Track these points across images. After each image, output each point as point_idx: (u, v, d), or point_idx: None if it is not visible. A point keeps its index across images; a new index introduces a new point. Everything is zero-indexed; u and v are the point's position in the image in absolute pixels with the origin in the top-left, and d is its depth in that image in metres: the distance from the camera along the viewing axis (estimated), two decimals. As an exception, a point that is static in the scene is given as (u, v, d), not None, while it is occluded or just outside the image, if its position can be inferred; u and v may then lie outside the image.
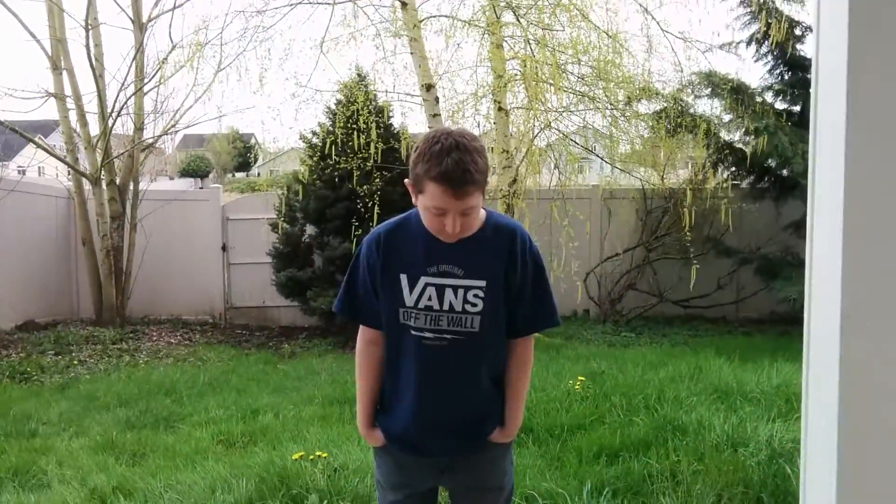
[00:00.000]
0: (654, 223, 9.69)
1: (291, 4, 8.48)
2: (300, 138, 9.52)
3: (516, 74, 8.28)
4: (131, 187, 9.83)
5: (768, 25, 8.66)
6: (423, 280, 1.81)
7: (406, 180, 1.79)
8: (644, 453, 3.51)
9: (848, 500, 0.88)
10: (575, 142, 9.49)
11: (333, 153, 8.41)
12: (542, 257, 1.93)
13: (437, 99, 8.09)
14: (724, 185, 9.20)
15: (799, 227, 8.51)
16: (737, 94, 8.44)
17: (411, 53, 8.12)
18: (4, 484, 3.82)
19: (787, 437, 3.48)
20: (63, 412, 5.52)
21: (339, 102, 9.06)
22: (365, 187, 8.22)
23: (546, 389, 4.91)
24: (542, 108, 8.17)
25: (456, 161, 1.64)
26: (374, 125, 8.31)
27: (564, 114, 8.76)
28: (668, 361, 6.05)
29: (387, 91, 9.04)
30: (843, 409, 0.87)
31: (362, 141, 8.31)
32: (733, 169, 9.43)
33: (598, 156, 9.82)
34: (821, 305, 0.96)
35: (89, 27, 9.47)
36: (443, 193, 1.67)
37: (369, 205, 8.02)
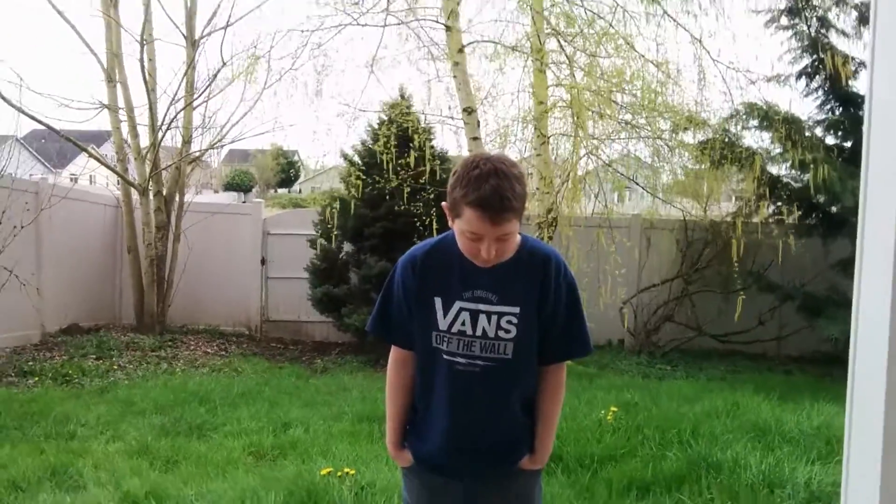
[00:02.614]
0: (694, 255, 9.55)
1: (342, 25, 8.66)
2: (342, 157, 9.65)
3: (558, 101, 8.30)
4: (177, 198, 10.07)
5: (821, 60, 8.52)
6: (457, 304, 1.81)
7: (443, 203, 1.80)
8: (676, 489, 3.43)
9: (890, 548, 0.85)
10: (617, 171, 9.45)
11: (380, 169, 8.50)
12: (580, 286, 1.91)
13: (478, 123, 8.14)
14: (771, 219, 9.03)
15: (846, 265, 8.28)
16: (789, 125, 8.31)
17: (454, 77, 8.20)
18: (42, 483, 3.90)
19: (827, 480, 3.38)
20: (101, 416, 5.63)
21: (382, 122, 9.18)
22: (412, 206, 8.29)
23: (577, 418, 4.84)
24: (583, 136, 8.17)
25: (494, 187, 1.63)
26: (420, 145, 8.40)
27: (607, 142, 8.75)
28: (704, 396, 5.92)
29: (427, 113, 9.16)
30: (888, 452, 0.85)
31: (405, 161, 8.40)
32: (779, 203, 9.24)
33: (639, 185, 9.75)
34: (867, 346, 0.93)
35: (144, 42, 9.78)
36: (479, 219, 1.66)
37: (417, 223, 8.10)
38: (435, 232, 7.64)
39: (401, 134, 8.64)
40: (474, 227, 1.68)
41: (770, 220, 9.04)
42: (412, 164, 8.36)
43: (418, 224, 8.16)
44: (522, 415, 1.91)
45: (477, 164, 1.68)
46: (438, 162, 8.71)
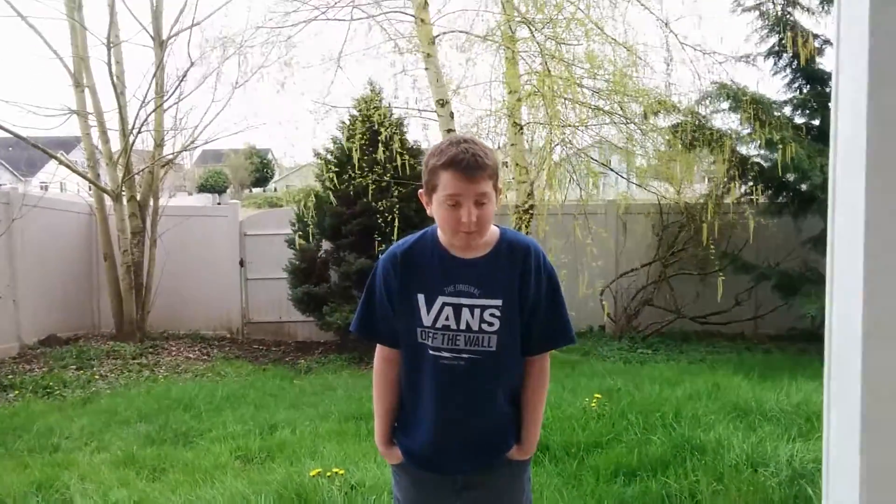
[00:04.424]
0: (670, 238, 9.65)
1: (306, 21, 8.61)
2: (314, 155, 9.59)
3: (532, 90, 8.32)
4: (151, 203, 9.95)
5: (787, 38, 8.64)
6: (440, 300, 1.82)
7: (420, 191, 1.83)
8: (662, 473, 3.47)
9: (872, 521, 0.87)
10: (591, 157, 9.50)
11: (354, 165, 8.46)
12: (559, 276, 1.94)
13: (451, 114, 8.14)
14: (742, 199, 9.15)
15: (818, 242, 8.43)
16: (756, 105, 8.42)
17: (426, 69, 8.19)
18: (28, 499, 3.85)
19: (808, 456, 3.44)
20: (85, 427, 5.57)
21: (354, 118, 9.12)
22: (381, 203, 8.28)
23: (562, 407, 4.88)
24: (558, 124, 8.20)
25: (465, 149, 1.72)
26: (393, 139, 8.39)
27: (580, 128, 8.79)
28: (685, 379, 6.00)
29: (399, 107, 9.13)
30: (867, 428, 0.87)
31: (379, 156, 8.38)
32: (750, 183, 9.37)
33: (613, 171, 9.81)
34: (842, 322, 0.94)
35: (111, 45, 9.63)
36: (455, 179, 1.71)
37: (389, 219, 8.08)
38: (414, 226, 7.63)
39: (373, 129, 8.60)
40: (451, 188, 1.72)
41: (742, 201, 9.16)
42: (383, 160, 8.33)
43: (392, 219, 8.14)
44: (508, 406, 1.93)
45: (447, 139, 1.81)
46: (410, 156, 8.67)
